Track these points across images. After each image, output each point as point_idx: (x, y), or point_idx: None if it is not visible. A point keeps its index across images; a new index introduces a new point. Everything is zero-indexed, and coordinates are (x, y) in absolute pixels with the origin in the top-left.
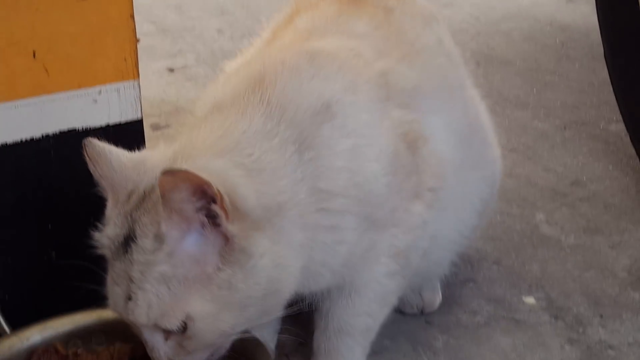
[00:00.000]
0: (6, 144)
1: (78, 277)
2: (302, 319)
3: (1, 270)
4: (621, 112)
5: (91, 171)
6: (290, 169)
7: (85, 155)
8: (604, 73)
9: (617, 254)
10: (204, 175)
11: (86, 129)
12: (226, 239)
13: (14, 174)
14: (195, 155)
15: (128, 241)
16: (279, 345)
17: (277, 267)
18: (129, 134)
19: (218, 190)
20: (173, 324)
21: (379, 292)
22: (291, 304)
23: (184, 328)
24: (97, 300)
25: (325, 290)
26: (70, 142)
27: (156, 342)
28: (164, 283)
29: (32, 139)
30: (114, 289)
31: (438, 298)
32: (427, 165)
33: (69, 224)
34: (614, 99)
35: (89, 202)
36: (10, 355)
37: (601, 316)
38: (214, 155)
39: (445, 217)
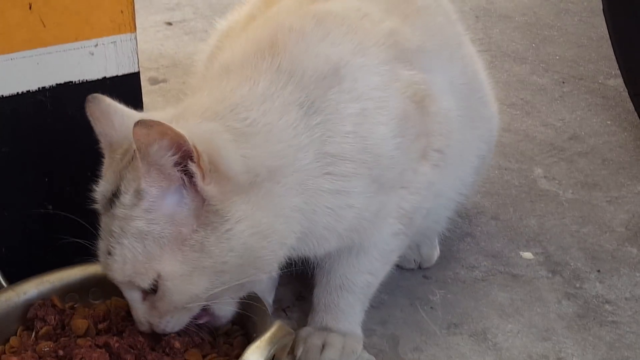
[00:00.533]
0: (2, 97)
1: (75, 230)
2: (301, 274)
3: None
4: (619, 66)
5: (92, 125)
6: (290, 134)
7: (88, 111)
8: (602, 28)
9: (614, 209)
10: (179, 130)
11: (83, 82)
12: (203, 200)
13: (10, 126)
14: (188, 118)
15: (114, 197)
16: (277, 300)
17: (255, 234)
18: (126, 87)
19: (195, 147)
20: (145, 281)
21: (384, 250)
22: (292, 264)
23: (155, 287)
24: (94, 254)
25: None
26: (67, 94)
27: (134, 301)
28: (140, 240)
29: (28, 92)
30: (100, 244)
31: (436, 253)
32: (435, 124)
33: (66, 176)
34: (613, 53)
35: (85, 154)
36: (7, 308)
37: (598, 271)
38: (207, 118)
39: (446, 175)
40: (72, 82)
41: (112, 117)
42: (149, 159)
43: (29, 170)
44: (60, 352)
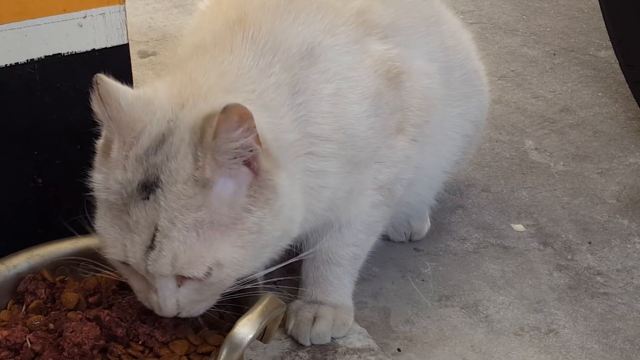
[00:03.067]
0: None
1: (65, 203)
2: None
3: None
4: (610, 38)
5: (97, 110)
6: (287, 111)
7: (96, 94)
8: None
9: (605, 180)
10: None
11: (71, 54)
12: (254, 175)
13: None
14: (205, 94)
15: (149, 187)
16: (267, 273)
17: (294, 207)
18: (115, 59)
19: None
20: (199, 271)
21: (366, 222)
22: None
23: (208, 275)
24: (84, 227)
25: (312, 229)
26: (55, 66)
27: (168, 290)
28: (194, 230)
29: (16, 64)
30: (130, 238)
31: (426, 225)
32: (412, 100)
33: (55, 149)
34: (604, 25)
35: (74, 127)
36: None
37: (590, 243)
38: (223, 92)
39: (426, 151)
40: (60, 54)
41: (118, 97)
42: (222, 146)
43: (17, 143)
44: (51, 326)
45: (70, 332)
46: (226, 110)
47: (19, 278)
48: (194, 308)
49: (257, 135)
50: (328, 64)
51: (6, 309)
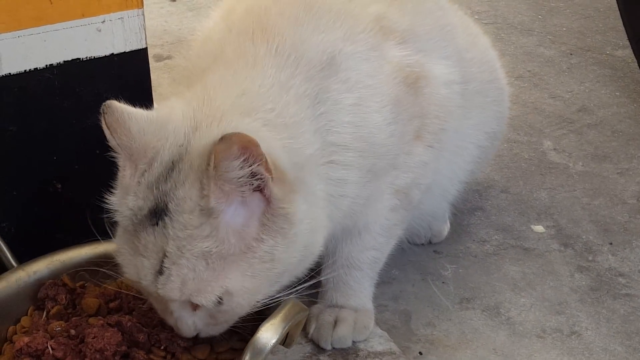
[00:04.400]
0: (10, 75)
1: (84, 208)
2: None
3: (7, 203)
4: (628, 37)
5: (108, 138)
6: (308, 122)
7: (103, 123)
8: None
9: (625, 180)
10: (253, 137)
11: (90, 59)
12: (267, 204)
13: (18, 104)
14: (220, 117)
15: (158, 214)
16: None
17: (312, 231)
18: (133, 63)
19: (264, 151)
20: (208, 300)
21: (385, 226)
22: None
23: (219, 303)
24: (105, 232)
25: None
26: (74, 71)
27: (183, 313)
28: (203, 259)
29: (36, 69)
30: (140, 261)
31: (446, 228)
32: (430, 106)
33: (74, 154)
34: (620, 24)
35: (93, 131)
36: (18, 288)
37: (611, 244)
38: (240, 114)
39: (442, 157)
40: (79, 59)
41: (128, 124)
42: (224, 175)
43: (37, 149)
44: (72, 332)
45: (92, 338)
46: (224, 140)
47: (40, 284)
48: (212, 330)
49: (266, 161)
50: (349, 73)
51: (27, 315)
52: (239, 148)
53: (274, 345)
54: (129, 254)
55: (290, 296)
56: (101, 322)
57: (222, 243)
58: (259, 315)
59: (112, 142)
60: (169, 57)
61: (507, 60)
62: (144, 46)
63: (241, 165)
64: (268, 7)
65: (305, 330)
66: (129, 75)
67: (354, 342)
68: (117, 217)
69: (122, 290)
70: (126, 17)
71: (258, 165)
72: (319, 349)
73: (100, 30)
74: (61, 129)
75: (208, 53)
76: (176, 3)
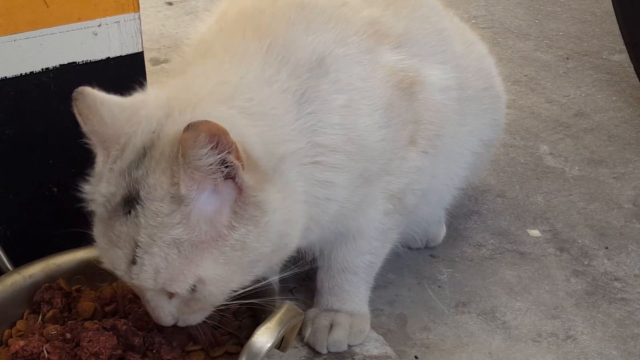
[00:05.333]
0: (6, 78)
1: (81, 212)
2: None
3: (3, 206)
4: (625, 41)
5: (80, 124)
6: (291, 119)
7: (75, 110)
8: (606, 3)
9: (621, 185)
10: (222, 125)
11: (86, 63)
12: (239, 192)
13: (14, 108)
14: (195, 103)
15: (130, 202)
16: (283, 281)
17: (287, 222)
18: (130, 67)
19: (234, 139)
20: (182, 288)
21: (380, 230)
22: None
23: (192, 291)
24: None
25: (320, 239)
26: (70, 75)
27: (160, 302)
28: (175, 247)
29: (32, 73)
30: (115, 251)
31: (443, 232)
32: (425, 112)
33: (70, 158)
34: (617, 28)
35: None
36: (13, 292)
37: (606, 248)
38: (215, 102)
39: (437, 163)
40: (75, 62)
41: (100, 111)
42: (193, 163)
43: (33, 153)
44: (68, 335)
45: (88, 342)
46: (190, 128)
47: (35, 287)
48: (189, 319)
49: (237, 149)
50: (339, 75)
51: (22, 318)
52: (207, 136)
53: (270, 349)
54: (105, 244)
55: (286, 301)
56: (96, 325)
57: (194, 231)
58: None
59: (84, 129)
60: (165, 61)
61: (504, 64)
62: (140, 50)
63: (209, 154)
64: (261, 8)
65: (301, 334)
66: (125, 79)
67: (349, 346)
68: (92, 206)
69: (118, 294)
70: (122, 21)
71: (227, 153)
72: (314, 352)
73: (96, 34)
74: (57, 132)
75: (198, 51)
76: (173, 7)
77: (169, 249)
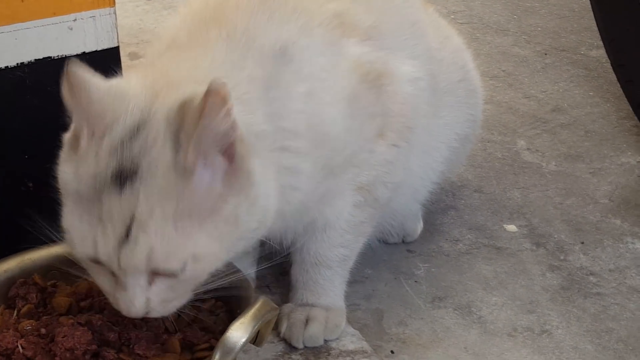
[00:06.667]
0: None
1: (56, 208)
2: (282, 249)
3: None
4: (602, 37)
5: (65, 97)
6: (261, 104)
7: (66, 81)
8: None
9: (597, 180)
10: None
11: (62, 57)
12: (230, 162)
13: None
14: (178, 85)
15: (126, 177)
16: (260, 276)
17: (268, 196)
18: (105, 62)
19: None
20: (175, 266)
21: (351, 222)
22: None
23: (183, 270)
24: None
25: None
26: (46, 70)
27: (139, 287)
28: (173, 222)
29: (7, 68)
30: (101, 230)
31: (419, 227)
32: (394, 105)
33: (46, 153)
34: (595, 24)
35: (65, 130)
36: None
37: (582, 243)
38: (194, 83)
39: (410, 157)
40: (51, 57)
41: (89, 87)
42: (205, 131)
43: (8, 148)
44: (43, 331)
45: (62, 337)
46: (211, 89)
47: (11, 283)
48: (164, 307)
49: (235, 119)
50: (302, 64)
51: None
52: (222, 98)
53: (244, 344)
54: (85, 226)
55: (261, 295)
56: (71, 321)
57: (193, 203)
58: (230, 316)
59: (70, 102)
60: (144, 56)
61: (482, 60)
62: (116, 45)
63: (223, 120)
64: (224, 1)
65: (277, 329)
66: (101, 74)
67: (325, 340)
68: (72, 186)
69: (94, 289)
70: (98, 15)
71: (232, 120)
72: (290, 347)
73: (71, 29)
74: (33, 127)
75: (166, 42)
76: (152, 1)
77: (166, 224)
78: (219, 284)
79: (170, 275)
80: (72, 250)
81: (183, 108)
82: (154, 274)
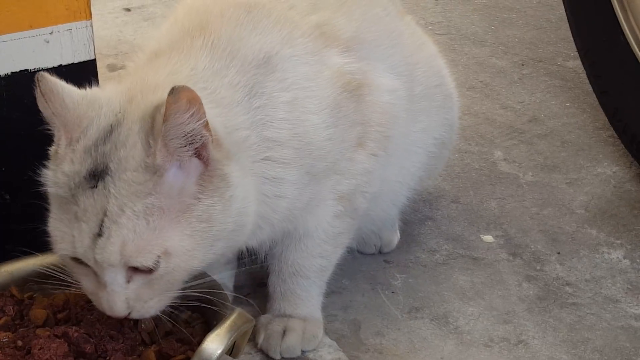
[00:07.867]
0: None
1: (33, 219)
2: (260, 259)
3: None
4: (577, 48)
5: (41, 108)
6: (242, 110)
7: (38, 92)
8: (561, 9)
9: (574, 190)
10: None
11: (38, 70)
12: (206, 165)
13: None
14: (154, 89)
15: (98, 175)
16: (238, 287)
17: (245, 199)
18: (82, 75)
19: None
20: (148, 260)
21: (330, 233)
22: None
23: (156, 265)
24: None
25: (270, 238)
26: (22, 83)
27: (117, 285)
28: (144, 217)
29: None
30: (78, 227)
31: (396, 237)
32: (372, 113)
33: (22, 165)
34: (571, 35)
35: (42, 143)
36: None
37: (558, 253)
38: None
39: (388, 165)
40: (27, 70)
41: (62, 94)
42: (172, 130)
43: None
44: (19, 343)
45: (39, 350)
46: (174, 91)
47: None
48: (144, 307)
49: (207, 122)
50: (285, 74)
51: None
52: (188, 101)
53: (220, 355)
54: (65, 225)
55: (237, 307)
56: (47, 333)
57: (164, 201)
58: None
59: (46, 112)
60: (123, 67)
61: (460, 70)
62: (92, 57)
63: (188, 121)
64: (209, 9)
65: (254, 340)
66: (78, 87)
67: (303, 351)
68: (52, 189)
69: (71, 301)
70: (74, 28)
71: (203, 123)
72: (268, 358)
73: (48, 42)
74: (9, 139)
75: (149, 52)
76: (131, 13)
77: (137, 220)
78: (198, 289)
79: (146, 271)
80: (55, 250)
81: (156, 110)
82: (131, 271)
